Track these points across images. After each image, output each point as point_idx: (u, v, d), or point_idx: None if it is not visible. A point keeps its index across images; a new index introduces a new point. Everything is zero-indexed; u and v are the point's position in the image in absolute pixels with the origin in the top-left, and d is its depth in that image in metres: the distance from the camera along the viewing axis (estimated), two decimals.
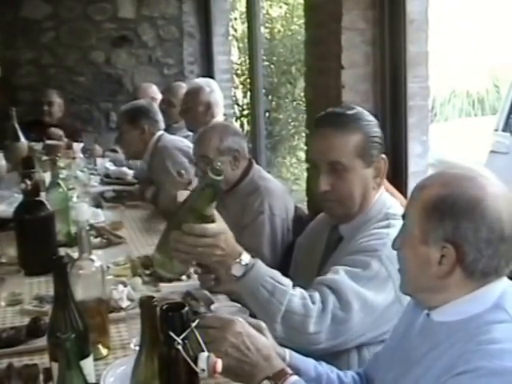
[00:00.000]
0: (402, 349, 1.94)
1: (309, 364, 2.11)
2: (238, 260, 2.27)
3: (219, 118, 5.14)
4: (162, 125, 5.11)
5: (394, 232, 2.24)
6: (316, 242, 2.79)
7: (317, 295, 2.35)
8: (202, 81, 5.48)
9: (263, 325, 2.08)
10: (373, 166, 2.54)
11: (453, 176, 1.80)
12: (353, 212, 2.58)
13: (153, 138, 4.99)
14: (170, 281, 2.99)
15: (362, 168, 2.53)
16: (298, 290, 2.35)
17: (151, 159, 4.98)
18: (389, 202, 2.61)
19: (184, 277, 3.02)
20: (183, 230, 2.19)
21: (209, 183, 2.15)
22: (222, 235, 2.26)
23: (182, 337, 1.54)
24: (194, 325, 1.57)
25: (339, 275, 2.39)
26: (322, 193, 2.56)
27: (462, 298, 1.76)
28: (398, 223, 2.23)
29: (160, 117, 5.11)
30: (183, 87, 6.12)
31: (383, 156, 2.55)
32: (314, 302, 2.34)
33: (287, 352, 2.08)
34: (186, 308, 1.58)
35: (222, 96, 5.40)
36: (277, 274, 2.36)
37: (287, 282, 2.36)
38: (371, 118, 2.62)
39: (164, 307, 1.59)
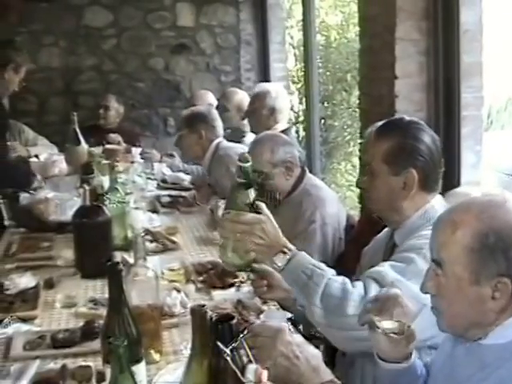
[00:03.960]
0: (448, 366, 1.94)
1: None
2: (281, 251, 2.38)
3: (282, 124, 5.17)
4: (221, 131, 5.20)
5: None
6: (377, 250, 2.82)
7: (359, 282, 2.40)
8: (269, 85, 5.53)
9: None
10: (401, 176, 2.54)
11: (482, 207, 1.77)
12: (386, 217, 2.64)
13: (211, 144, 5.08)
14: (222, 288, 3.04)
15: (387, 174, 2.56)
16: (341, 277, 2.40)
17: (211, 165, 5.06)
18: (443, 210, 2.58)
19: (234, 288, 3.07)
20: (223, 217, 2.42)
21: (239, 170, 2.27)
22: (258, 225, 2.38)
23: (230, 348, 1.58)
24: (242, 336, 1.60)
25: (384, 267, 2.43)
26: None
27: (507, 320, 1.75)
28: None
29: (218, 123, 5.19)
30: (238, 93, 6.20)
31: (412, 170, 2.53)
32: (354, 286, 2.38)
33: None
34: (236, 319, 1.62)
35: (289, 103, 5.44)
36: (319, 262, 2.43)
37: (328, 269, 2.42)
38: (424, 134, 2.59)
39: (214, 318, 1.63)
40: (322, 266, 2.42)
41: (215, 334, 1.60)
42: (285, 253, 2.39)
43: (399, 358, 1.94)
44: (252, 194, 2.44)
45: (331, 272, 2.41)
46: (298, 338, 1.96)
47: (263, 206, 2.42)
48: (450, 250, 1.76)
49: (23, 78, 4.81)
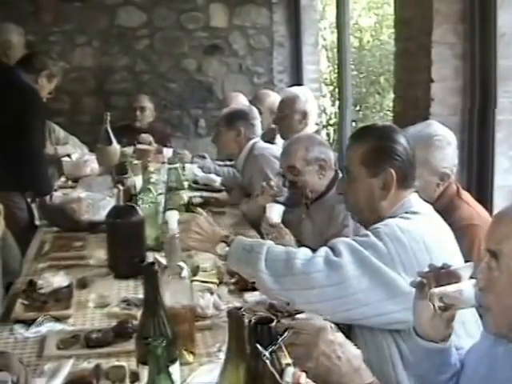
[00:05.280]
0: (484, 366, 1.91)
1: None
2: (221, 241, 2.55)
3: (312, 127, 5.16)
4: (259, 130, 5.21)
5: (404, 222, 2.44)
6: None
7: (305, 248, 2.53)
8: (298, 89, 5.50)
9: None
10: (380, 177, 2.59)
11: None
12: (365, 219, 2.68)
13: (247, 143, 5.10)
14: (253, 290, 3.02)
15: (366, 177, 2.62)
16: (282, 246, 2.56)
17: (245, 165, 5.06)
18: (417, 206, 2.61)
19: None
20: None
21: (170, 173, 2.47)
22: (192, 221, 2.63)
23: (269, 350, 1.56)
24: (281, 339, 1.58)
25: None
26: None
27: None
28: (415, 217, 2.45)
29: (258, 122, 5.21)
30: (270, 95, 6.19)
31: (390, 170, 2.57)
32: (297, 248, 2.53)
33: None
34: (275, 322, 1.61)
35: (316, 105, 5.43)
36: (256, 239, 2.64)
37: (268, 241, 2.61)
38: (398, 135, 2.66)
39: (253, 321, 1.61)
40: (261, 240, 2.62)
41: (254, 336, 1.59)
42: (225, 242, 2.55)
43: (436, 338, 1.94)
44: (186, 194, 2.60)
45: (271, 243, 2.56)
46: (340, 338, 1.95)
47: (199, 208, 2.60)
48: (510, 243, 1.70)
49: (53, 89, 4.84)
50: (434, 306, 1.84)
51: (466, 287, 1.84)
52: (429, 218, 2.58)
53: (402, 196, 2.61)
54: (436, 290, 1.84)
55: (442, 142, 3.16)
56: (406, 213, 2.54)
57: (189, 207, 2.66)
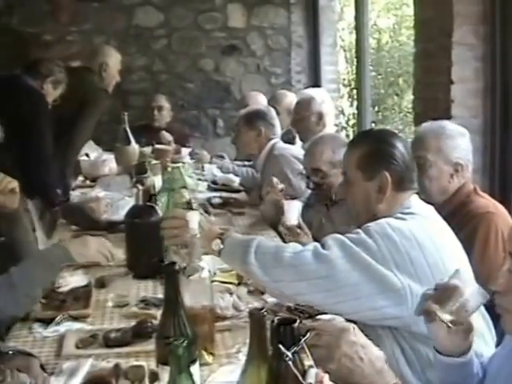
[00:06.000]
0: (507, 368, 1.89)
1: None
2: (217, 238, 2.57)
3: (330, 127, 5.15)
4: (279, 130, 5.21)
5: (396, 221, 2.44)
6: None
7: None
8: (313, 91, 5.49)
9: None
10: (375, 180, 2.60)
11: None
12: (363, 222, 2.62)
13: (268, 143, 5.10)
14: None
15: (362, 180, 2.64)
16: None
17: (265, 166, 5.05)
18: (415, 207, 2.60)
19: None
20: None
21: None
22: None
23: (292, 351, 1.54)
24: (304, 340, 1.57)
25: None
26: None
27: None
28: (410, 217, 2.45)
29: (277, 122, 5.21)
30: (287, 95, 6.19)
31: (385, 173, 2.57)
32: (287, 243, 2.59)
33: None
34: (298, 323, 1.59)
35: (333, 106, 5.42)
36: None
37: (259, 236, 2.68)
38: (394, 139, 2.66)
39: (276, 321, 1.60)
40: (255, 236, 2.66)
41: (277, 337, 1.58)
42: (220, 238, 2.56)
43: (457, 352, 1.92)
44: (187, 193, 2.64)
45: (262, 238, 2.63)
46: (362, 339, 1.94)
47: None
48: None
49: (58, 96, 4.80)
50: (447, 324, 1.82)
51: (470, 293, 1.84)
52: (427, 219, 2.57)
53: (400, 198, 2.60)
54: (442, 311, 1.82)
55: (453, 131, 3.21)
56: (402, 213, 2.55)
57: (190, 206, 2.69)
